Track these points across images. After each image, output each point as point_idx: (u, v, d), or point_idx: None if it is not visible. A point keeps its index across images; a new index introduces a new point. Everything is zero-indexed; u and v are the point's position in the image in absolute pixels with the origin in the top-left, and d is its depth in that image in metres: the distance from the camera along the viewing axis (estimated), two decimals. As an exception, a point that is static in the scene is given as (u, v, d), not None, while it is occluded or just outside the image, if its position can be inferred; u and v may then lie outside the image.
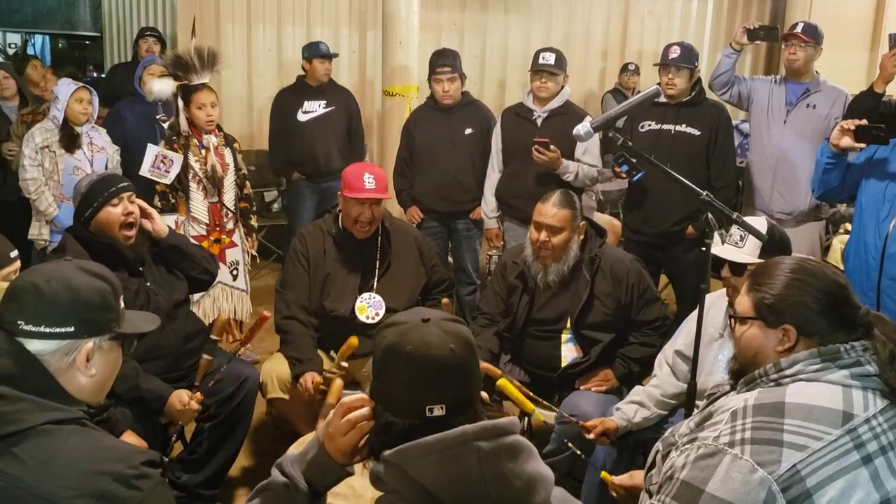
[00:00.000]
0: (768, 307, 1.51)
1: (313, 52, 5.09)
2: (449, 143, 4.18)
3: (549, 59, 3.82)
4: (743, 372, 1.56)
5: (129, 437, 2.26)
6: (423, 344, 1.20)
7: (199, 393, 2.54)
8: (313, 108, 5.07)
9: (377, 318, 3.01)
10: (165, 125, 4.48)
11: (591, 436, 2.49)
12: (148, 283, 2.68)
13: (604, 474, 2.09)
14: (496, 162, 4.08)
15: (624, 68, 6.98)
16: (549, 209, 2.80)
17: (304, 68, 5.10)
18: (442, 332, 1.22)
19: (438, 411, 1.17)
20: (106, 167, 4.14)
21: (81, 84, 4.05)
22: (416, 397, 1.18)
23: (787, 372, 1.45)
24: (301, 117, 5.04)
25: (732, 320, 1.61)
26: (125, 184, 2.67)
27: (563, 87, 3.90)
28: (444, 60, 4.07)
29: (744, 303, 1.57)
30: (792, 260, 1.57)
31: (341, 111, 5.12)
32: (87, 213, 2.61)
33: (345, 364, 2.78)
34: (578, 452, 2.40)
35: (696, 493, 1.35)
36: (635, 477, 1.91)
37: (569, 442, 2.43)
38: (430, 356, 1.19)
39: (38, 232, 4.02)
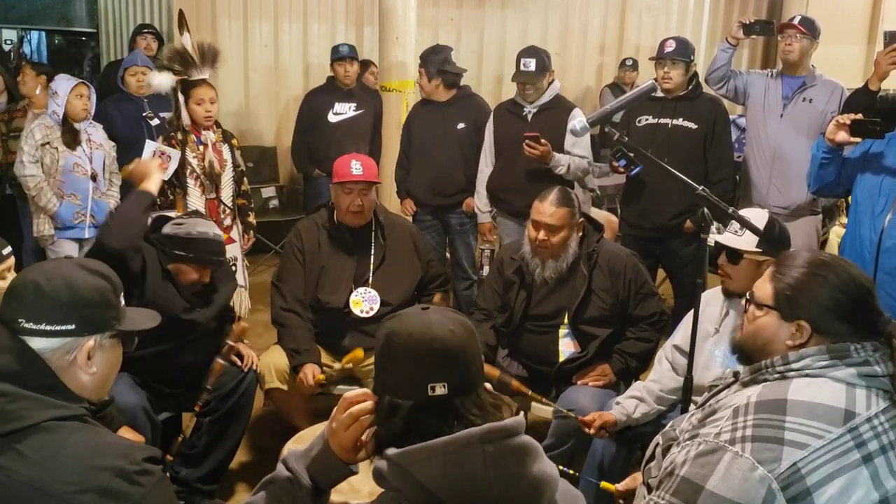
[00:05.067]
0: (787, 300, 1.50)
1: (332, 55, 5.29)
2: (441, 138, 4.21)
3: (530, 65, 3.79)
4: (750, 357, 1.55)
5: (126, 433, 2.27)
6: (424, 326, 1.22)
7: None
8: (344, 111, 5.26)
9: (372, 313, 3.03)
10: (153, 122, 4.49)
11: (591, 430, 2.49)
12: (203, 313, 2.76)
13: (604, 484, 2.09)
14: (488, 156, 4.08)
15: (623, 64, 6.98)
16: (548, 208, 2.80)
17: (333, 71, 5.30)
18: (441, 316, 1.25)
19: (441, 389, 1.18)
20: (104, 164, 4.13)
21: (80, 80, 4.04)
22: (419, 377, 1.19)
23: (794, 366, 1.45)
24: (332, 118, 5.23)
25: (748, 302, 1.59)
26: (217, 258, 2.72)
27: (551, 83, 3.90)
28: (423, 58, 4.19)
29: (765, 289, 1.55)
30: (819, 255, 1.55)
31: (370, 114, 5.27)
32: (170, 252, 2.64)
33: (347, 366, 2.80)
34: (571, 472, 2.38)
35: (696, 489, 1.35)
36: (637, 479, 1.89)
37: (562, 467, 2.38)
38: (431, 336, 1.21)
39: (42, 229, 3.99)
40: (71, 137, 3.95)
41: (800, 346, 1.48)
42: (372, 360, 1.33)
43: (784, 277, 1.52)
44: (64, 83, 3.96)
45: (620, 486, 1.96)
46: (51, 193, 3.91)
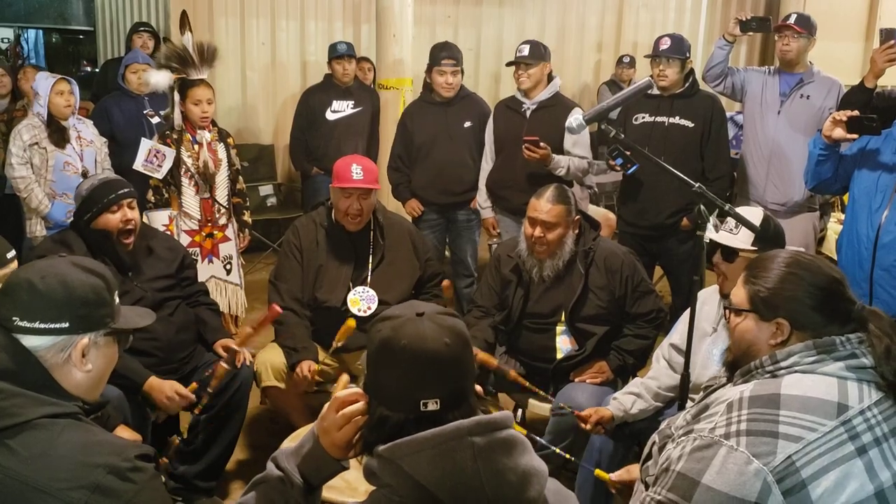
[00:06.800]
0: (763, 300, 1.52)
1: (330, 53, 5.30)
2: (447, 137, 4.18)
3: (524, 50, 3.85)
4: (736, 363, 1.57)
5: (123, 432, 2.26)
6: (418, 338, 1.20)
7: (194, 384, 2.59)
8: (342, 108, 5.28)
9: (369, 312, 3.02)
10: (154, 120, 4.48)
11: (588, 426, 2.50)
12: (136, 283, 2.73)
13: (598, 472, 2.09)
14: (489, 153, 4.08)
15: (620, 61, 6.98)
16: (544, 205, 2.79)
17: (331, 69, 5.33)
18: (436, 326, 1.22)
19: (433, 405, 1.18)
20: (95, 161, 4.09)
21: (60, 76, 3.99)
22: (411, 391, 1.18)
23: (783, 364, 1.46)
24: (330, 116, 5.25)
25: (727, 311, 1.62)
26: (125, 190, 2.72)
27: (551, 79, 3.90)
28: (448, 52, 4.10)
29: (739, 295, 1.58)
30: (787, 254, 1.58)
31: (367, 112, 5.31)
32: (86, 217, 2.67)
33: (339, 345, 2.78)
34: (567, 456, 2.39)
35: (692, 484, 1.36)
36: (632, 471, 1.91)
37: (557, 449, 2.41)
38: (425, 350, 1.19)
39: (34, 230, 3.98)
40: (59, 136, 3.90)
41: (782, 343, 1.49)
42: (364, 348, 1.32)
43: (757, 280, 1.55)
44: (43, 82, 3.91)
45: (614, 476, 1.97)
46: (42, 194, 3.88)
